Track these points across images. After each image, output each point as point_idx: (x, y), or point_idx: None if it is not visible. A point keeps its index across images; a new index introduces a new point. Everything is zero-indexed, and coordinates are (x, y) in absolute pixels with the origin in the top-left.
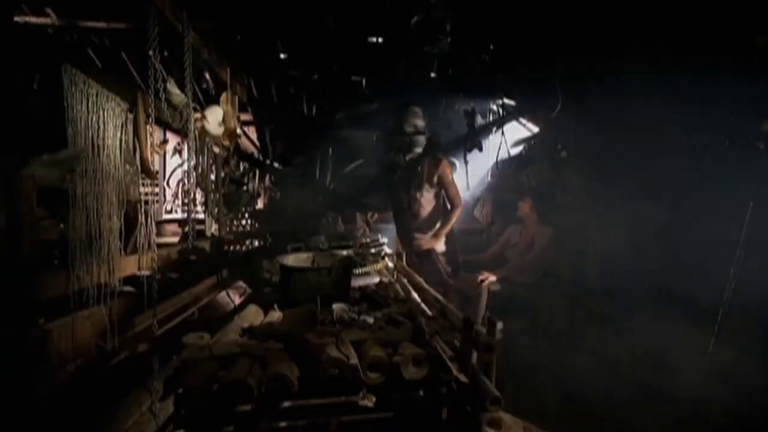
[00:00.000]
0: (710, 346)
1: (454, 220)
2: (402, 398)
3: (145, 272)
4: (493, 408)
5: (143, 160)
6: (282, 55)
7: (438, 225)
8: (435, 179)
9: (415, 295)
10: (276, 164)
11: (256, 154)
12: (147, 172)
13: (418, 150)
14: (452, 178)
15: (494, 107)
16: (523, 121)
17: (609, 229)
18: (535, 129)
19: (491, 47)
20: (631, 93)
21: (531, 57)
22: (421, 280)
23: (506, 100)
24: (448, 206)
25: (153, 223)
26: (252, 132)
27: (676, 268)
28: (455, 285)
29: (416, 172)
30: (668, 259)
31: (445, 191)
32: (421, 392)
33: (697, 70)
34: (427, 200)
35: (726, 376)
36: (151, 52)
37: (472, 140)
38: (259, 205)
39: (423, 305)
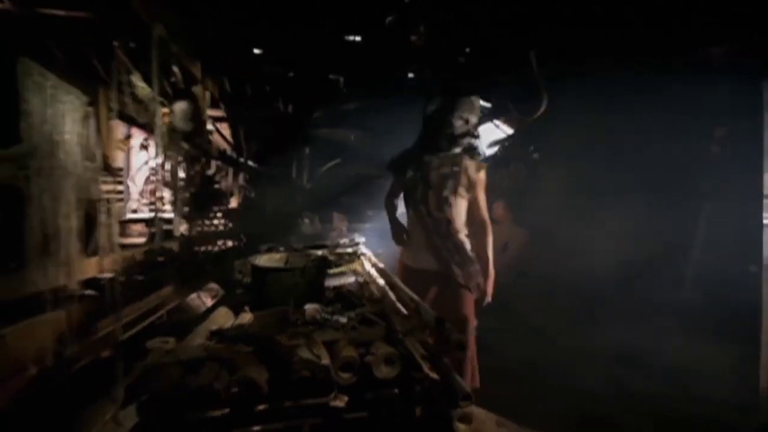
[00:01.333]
0: (673, 340)
1: (490, 245)
2: (376, 398)
3: (108, 275)
4: (464, 404)
5: (105, 157)
6: (256, 51)
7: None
8: (471, 186)
9: (391, 294)
10: (251, 162)
11: (229, 152)
12: (109, 168)
13: (458, 149)
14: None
15: None
16: (498, 122)
17: (580, 228)
18: (510, 131)
19: (467, 50)
20: (599, 98)
21: (505, 60)
22: (397, 279)
23: (482, 102)
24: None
25: (116, 223)
26: (225, 129)
27: (640, 265)
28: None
29: (451, 172)
30: (634, 256)
31: (475, 203)
32: (395, 391)
33: (660, 77)
34: (457, 209)
35: (689, 368)
36: (114, 44)
37: None
38: (233, 204)
39: (398, 304)
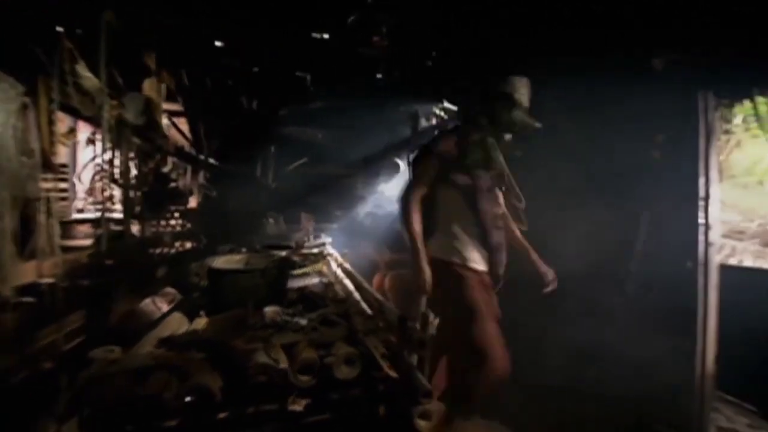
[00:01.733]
0: (621, 332)
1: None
2: (337, 399)
3: (48, 280)
4: (424, 401)
5: (45, 152)
6: (218, 43)
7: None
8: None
9: (356, 294)
10: (212, 160)
11: (187, 148)
12: (49, 164)
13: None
14: None
15: (437, 111)
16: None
17: (540, 228)
18: None
19: (433, 53)
20: (551, 105)
21: (468, 63)
22: (361, 279)
23: (448, 105)
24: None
25: (57, 224)
26: (183, 124)
27: (594, 264)
28: (399, 283)
29: (506, 160)
30: (588, 255)
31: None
32: (357, 391)
33: (608, 87)
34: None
35: (634, 358)
36: (58, 30)
37: (414, 142)
38: (192, 203)
39: (363, 304)
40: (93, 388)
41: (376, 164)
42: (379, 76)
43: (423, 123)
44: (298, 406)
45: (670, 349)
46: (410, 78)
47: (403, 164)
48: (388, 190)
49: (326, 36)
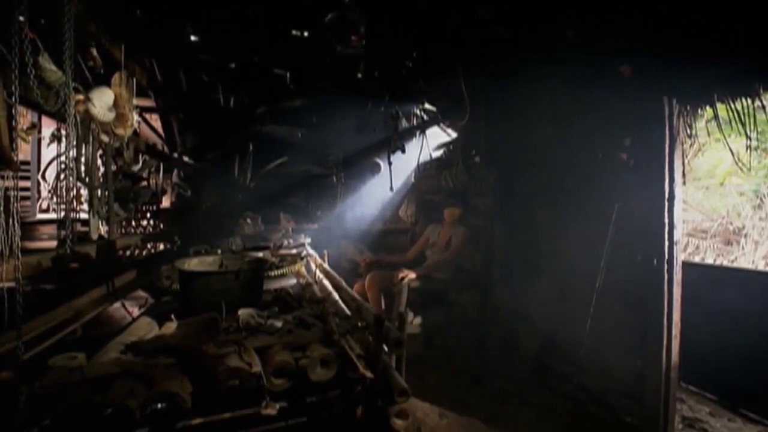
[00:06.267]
0: (589, 325)
1: None
2: (313, 401)
3: (8, 284)
4: (401, 399)
5: (2, 148)
6: (193, 38)
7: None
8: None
9: (335, 294)
10: (186, 158)
11: (160, 146)
12: (8, 161)
13: None
14: None
15: (417, 111)
16: (443, 126)
17: (510, 228)
18: (454, 134)
19: (413, 54)
20: (526, 107)
21: (444, 67)
22: (340, 279)
23: (428, 106)
24: None
25: (16, 224)
26: (155, 121)
27: (562, 260)
28: (378, 283)
29: None
30: (557, 252)
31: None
32: (334, 392)
33: (579, 90)
34: None
35: (601, 350)
36: (19, 19)
37: (395, 142)
38: (165, 203)
39: (342, 305)
40: (53, 398)
41: (357, 164)
42: (359, 75)
43: (404, 123)
44: (272, 410)
45: (636, 342)
46: (390, 78)
47: (383, 164)
48: (369, 191)
49: (305, 34)
